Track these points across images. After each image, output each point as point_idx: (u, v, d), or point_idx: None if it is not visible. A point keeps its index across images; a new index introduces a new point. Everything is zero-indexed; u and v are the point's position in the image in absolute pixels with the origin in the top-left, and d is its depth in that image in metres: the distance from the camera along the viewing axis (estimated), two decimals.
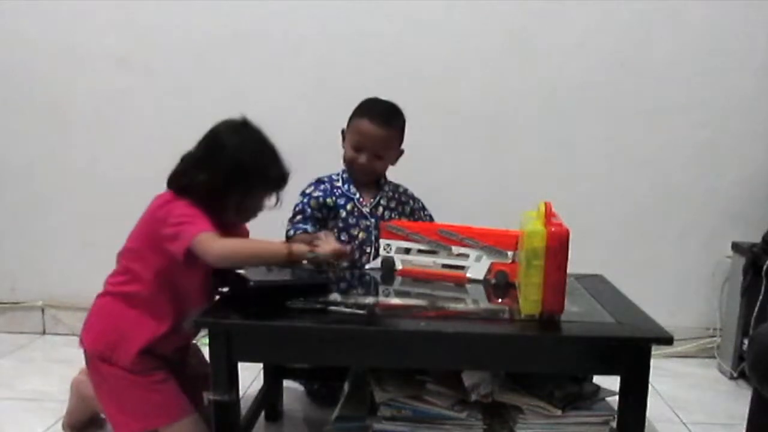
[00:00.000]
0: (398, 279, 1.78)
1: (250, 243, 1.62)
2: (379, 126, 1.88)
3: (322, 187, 1.99)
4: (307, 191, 1.99)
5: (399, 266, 1.79)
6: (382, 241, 1.79)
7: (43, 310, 2.68)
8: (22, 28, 2.53)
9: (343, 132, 1.99)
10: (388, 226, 1.80)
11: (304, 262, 1.60)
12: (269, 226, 1.70)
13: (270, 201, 1.65)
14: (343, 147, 1.98)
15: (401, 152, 1.99)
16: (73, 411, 1.77)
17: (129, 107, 2.49)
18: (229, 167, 1.56)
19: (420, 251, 1.78)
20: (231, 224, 1.63)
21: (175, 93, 2.54)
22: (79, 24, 2.51)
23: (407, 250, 1.80)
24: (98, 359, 1.59)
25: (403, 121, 1.97)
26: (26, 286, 2.64)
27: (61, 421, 1.82)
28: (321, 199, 1.95)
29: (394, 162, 2.00)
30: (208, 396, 1.41)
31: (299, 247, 1.58)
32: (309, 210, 1.95)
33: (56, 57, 2.53)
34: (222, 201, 1.56)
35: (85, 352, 1.62)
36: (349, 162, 1.94)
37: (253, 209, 1.63)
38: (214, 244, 1.46)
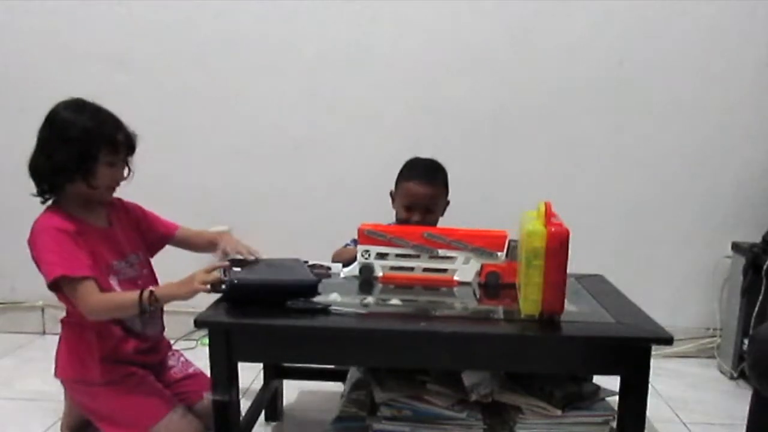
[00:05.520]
0: (379, 286, 1.68)
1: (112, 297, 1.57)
2: (425, 184, 1.92)
3: None
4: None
5: (379, 273, 1.71)
6: (360, 247, 1.70)
7: (43, 310, 2.68)
8: (21, 28, 2.54)
9: (391, 193, 2.01)
10: (367, 231, 1.70)
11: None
12: None
13: (120, 168, 1.59)
14: (394, 208, 2.00)
15: (447, 203, 2.01)
16: (70, 413, 1.77)
17: (128, 107, 2.48)
18: (58, 138, 1.54)
19: (399, 256, 1.69)
20: (119, 208, 1.69)
21: (174, 93, 2.54)
22: (79, 23, 2.52)
23: (385, 255, 1.70)
24: (73, 383, 1.64)
25: (446, 174, 2.00)
26: (26, 286, 2.64)
27: (60, 421, 1.82)
28: None
29: (442, 213, 2.02)
30: (208, 396, 1.41)
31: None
32: None
33: (55, 56, 2.54)
34: (70, 177, 1.54)
35: (61, 381, 1.66)
36: (404, 222, 1.95)
37: (106, 179, 1.57)
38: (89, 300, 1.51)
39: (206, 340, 1.42)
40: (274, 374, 1.96)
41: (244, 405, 1.67)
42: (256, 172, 2.59)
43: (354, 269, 1.72)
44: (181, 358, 1.82)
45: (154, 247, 1.79)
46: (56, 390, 1.68)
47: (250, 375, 2.07)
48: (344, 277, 1.72)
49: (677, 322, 2.45)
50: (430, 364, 1.50)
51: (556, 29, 2.47)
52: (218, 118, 2.57)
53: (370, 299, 1.61)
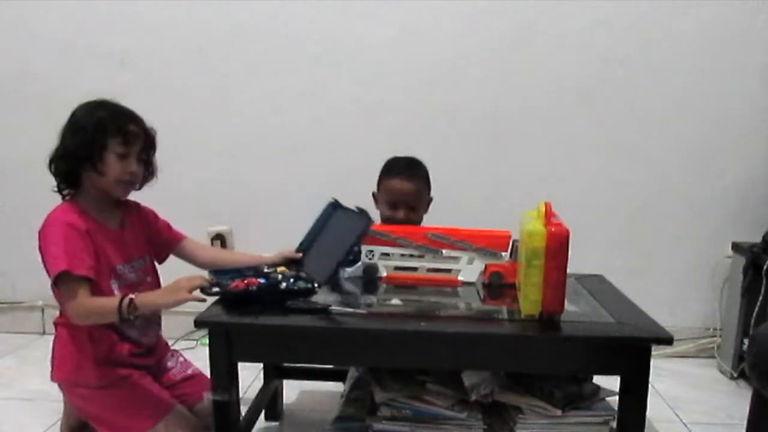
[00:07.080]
0: (383, 286, 1.68)
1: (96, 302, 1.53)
2: (407, 180, 1.93)
3: None
4: None
5: (383, 273, 1.71)
6: (364, 248, 1.70)
7: (43, 310, 2.68)
8: (22, 26, 2.54)
9: (374, 194, 2.01)
10: (370, 231, 1.69)
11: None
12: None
13: (132, 163, 1.58)
14: (378, 209, 1.99)
15: (430, 199, 2.01)
16: (70, 414, 1.77)
17: (128, 107, 2.49)
18: (71, 129, 1.56)
19: (403, 256, 1.69)
20: (132, 208, 1.69)
21: (175, 92, 2.54)
22: (80, 21, 2.52)
23: (389, 255, 1.70)
24: (70, 386, 1.63)
25: (427, 171, 2.01)
26: (26, 286, 2.65)
27: (60, 421, 1.82)
28: None
29: (426, 210, 2.02)
30: (208, 396, 1.41)
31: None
32: None
33: (56, 54, 2.54)
34: (79, 165, 1.55)
35: (58, 385, 1.65)
36: (388, 220, 1.94)
37: (115, 169, 1.55)
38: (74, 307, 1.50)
39: (206, 340, 1.42)
40: (274, 374, 1.96)
41: (244, 405, 1.67)
42: (256, 172, 2.59)
43: (358, 269, 1.72)
44: (180, 359, 1.81)
45: (160, 254, 1.78)
46: (56, 390, 1.68)
47: (250, 375, 2.07)
48: (348, 277, 1.71)
49: (677, 322, 2.45)
50: (430, 364, 1.50)
51: (556, 29, 2.47)
52: (218, 118, 2.57)
53: (373, 299, 1.61)
